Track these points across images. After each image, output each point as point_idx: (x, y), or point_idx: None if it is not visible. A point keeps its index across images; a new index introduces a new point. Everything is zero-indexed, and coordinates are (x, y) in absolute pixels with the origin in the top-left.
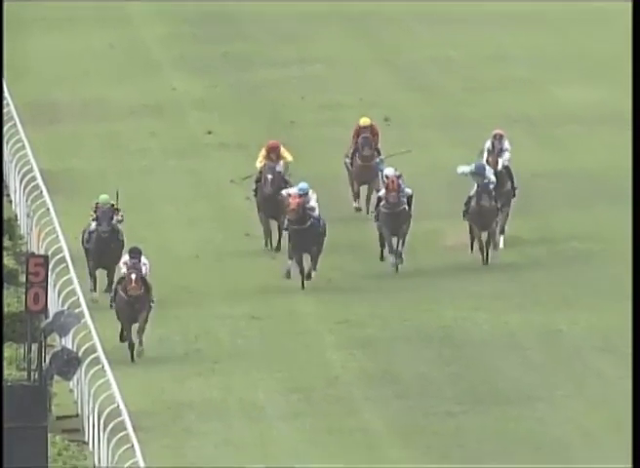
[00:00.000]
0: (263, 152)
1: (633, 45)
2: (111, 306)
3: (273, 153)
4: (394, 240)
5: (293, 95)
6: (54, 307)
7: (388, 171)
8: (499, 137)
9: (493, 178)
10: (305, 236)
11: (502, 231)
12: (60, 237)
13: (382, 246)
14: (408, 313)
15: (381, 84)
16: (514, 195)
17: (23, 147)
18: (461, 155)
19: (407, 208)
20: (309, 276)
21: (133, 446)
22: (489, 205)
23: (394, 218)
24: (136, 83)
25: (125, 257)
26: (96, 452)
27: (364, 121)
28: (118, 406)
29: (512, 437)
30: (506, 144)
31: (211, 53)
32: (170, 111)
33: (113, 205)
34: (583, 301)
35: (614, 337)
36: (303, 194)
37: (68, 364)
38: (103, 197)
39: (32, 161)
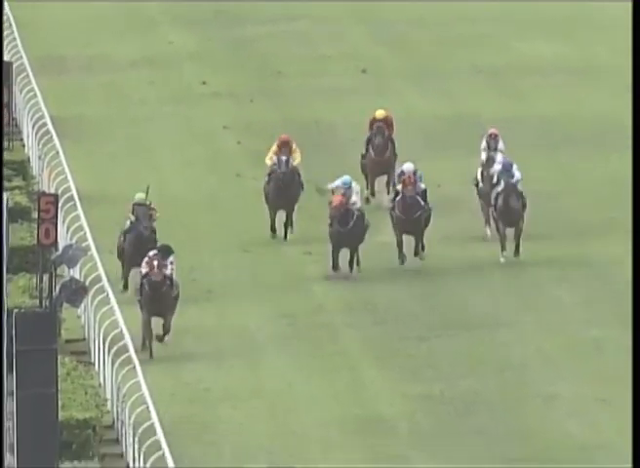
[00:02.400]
0: (275, 147)
1: (633, 44)
2: (138, 301)
3: (285, 148)
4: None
5: (280, 48)
6: (63, 241)
7: (407, 166)
8: (494, 137)
9: (519, 175)
10: (347, 237)
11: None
12: (69, 177)
13: (399, 246)
14: (386, 251)
15: (360, 39)
16: None
17: (35, 96)
18: (432, 103)
19: (421, 213)
20: (336, 267)
21: (135, 366)
22: (516, 204)
23: (410, 224)
24: (135, 38)
25: (151, 251)
26: (101, 372)
27: (379, 113)
28: (121, 330)
29: (479, 359)
30: (501, 144)
31: (205, 10)
32: (167, 63)
33: (150, 203)
34: (543, 236)
35: (570, 268)
36: (347, 188)
37: (76, 292)
38: (139, 195)
39: (43, 108)
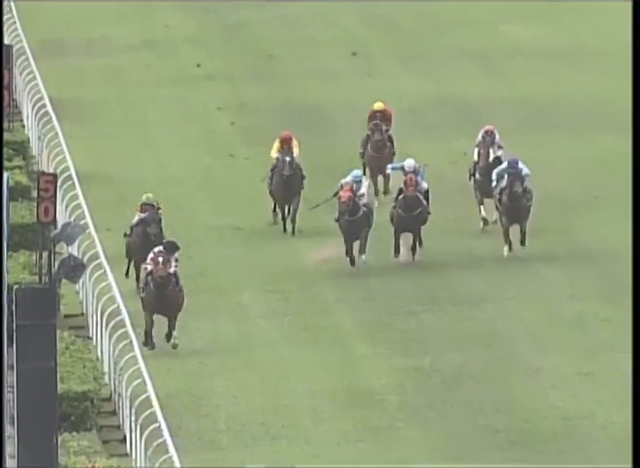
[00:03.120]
0: (277, 144)
1: (633, 41)
2: (141, 299)
3: (286, 143)
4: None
5: (272, 32)
6: (62, 219)
7: (407, 163)
8: (489, 133)
9: (526, 171)
10: (357, 226)
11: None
12: (67, 157)
13: (397, 244)
14: (375, 230)
15: (350, 22)
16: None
17: (35, 78)
18: (419, 85)
19: (422, 210)
20: (353, 262)
21: (131, 341)
22: (521, 199)
23: (409, 221)
24: (133, 22)
25: (157, 248)
26: (98, 346)
27: (378, 105)
28: (118, 306)
29: (466, 334)
30: (497, 138)
31: None
32: (163, 46)
33: (157, 203)
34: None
35: (554, 246)
36: (357, 181)
37: (75, 269)
38: (147, 196)
39: (42, 90)
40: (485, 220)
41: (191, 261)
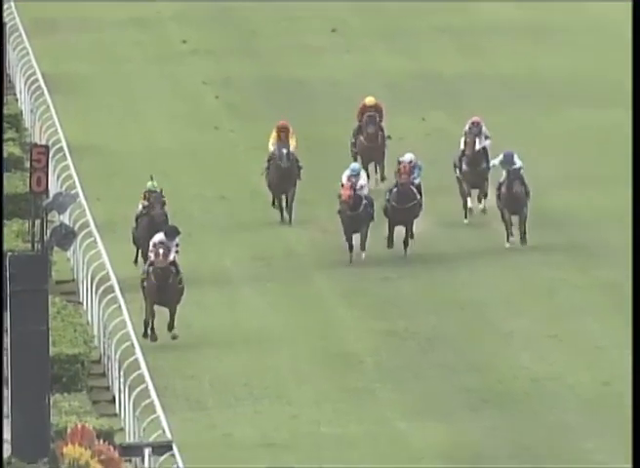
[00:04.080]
0: (274, 134)
1: (633, 41)
2: (143, 288)
3: (283, 133)
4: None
5: (255, 9)
6: (53, 189)
7: (406, 157)
8: (476, 124)
9: (519, 163)
10: (358, 220)
11: (485, 196)
12: (59, 130)
13: (391, 233)
14: None
15: (330, 1)
16: (489, 171)
17: (27, 54)
18: (397, 61)
19: (416, 202)
20: (351, 249)
21: (120, 306)
22: (520, 190)
23: (402, 213)
24: (122, 0)
25: (159, 236)
26: (89, 311)
27: (369, 100)
28: (108, 272)
29: (440, 298)
30: (484, 129)
31: None
32: (151, 24)
33: (161, 190)
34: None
35: (529, 217)
36: (355, 175)
37: (66, 237)
38: (151, 183)
39: (35, 65)
40: (470, 211)
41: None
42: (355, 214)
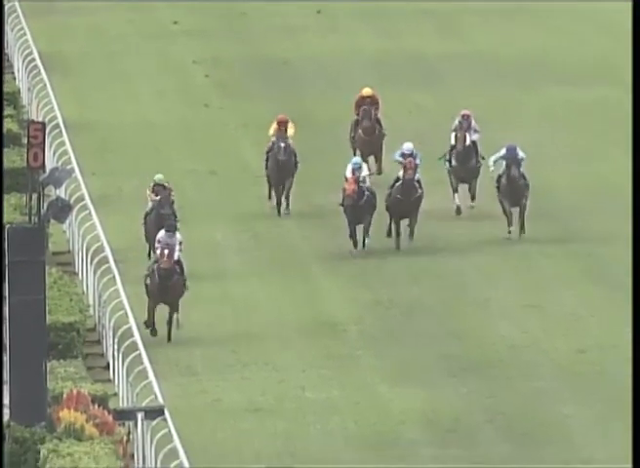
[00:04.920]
0: (274, 126)
1: (633, 41)
2: (146, 285)
3: (283, 126)
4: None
5: None
6: (50, 164)
7: (407, 146)
8: (466, 117)
9: (522, 155)
10: (361, 212)
11: (473, 198)
12: (55, 107)
13: (396, 225)
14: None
15: None
16: (479, 168)
17: (25, 34)
18: (380, 41)
19: (419, 196)
20: (363, 243)
21: (114, 276)
22: (519, 182)
23: (406, 205)
24: None
25: (161, 233)
26: (84, 281)
27: (366, 91)
28: (102, 243)
29: (421, 269)
30: (474, 123)
31: None
32: (143, 4)
33: (168, 184)
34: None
35: None
36: (357, 168)
37: (62, 210)
38: (159, 176)
39: (32, 45)
40: (458, 208)
41: None
42: (358, 206)
